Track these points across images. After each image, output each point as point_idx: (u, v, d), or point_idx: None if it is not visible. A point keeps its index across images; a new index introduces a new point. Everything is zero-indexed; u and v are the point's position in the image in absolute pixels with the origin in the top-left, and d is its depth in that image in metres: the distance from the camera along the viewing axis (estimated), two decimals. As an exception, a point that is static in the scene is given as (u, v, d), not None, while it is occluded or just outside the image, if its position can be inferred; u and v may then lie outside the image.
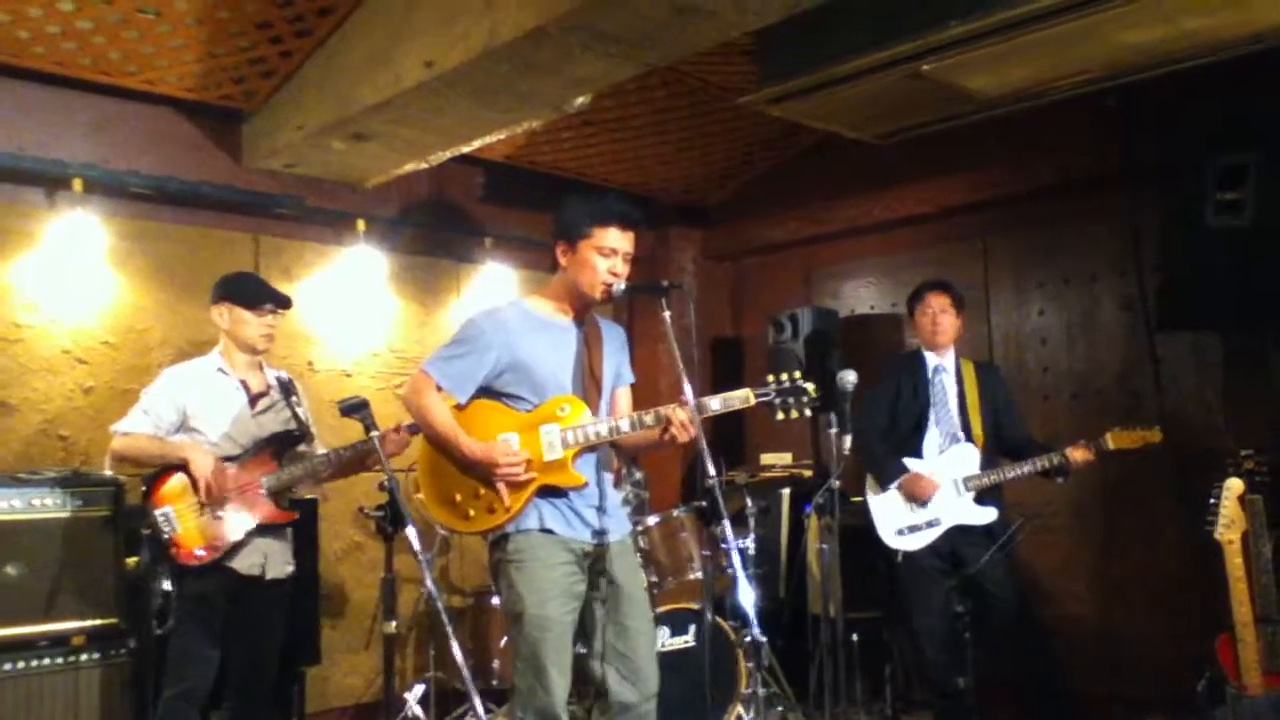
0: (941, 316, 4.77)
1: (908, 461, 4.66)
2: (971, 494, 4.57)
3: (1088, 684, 5.11)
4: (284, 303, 4.09)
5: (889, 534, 4.64)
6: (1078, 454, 4.43)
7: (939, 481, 4.57)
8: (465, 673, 2.81)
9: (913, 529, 4.60)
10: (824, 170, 6.47)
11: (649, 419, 3.19)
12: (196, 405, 3.89)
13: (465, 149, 5.20)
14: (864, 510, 4.77)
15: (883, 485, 4.67)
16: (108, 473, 4.20)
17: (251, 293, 4.02)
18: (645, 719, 3.25)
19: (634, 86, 5.26)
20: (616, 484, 3.45)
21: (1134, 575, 5.21)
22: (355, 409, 3.09)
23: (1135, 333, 5.32)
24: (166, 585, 3.78)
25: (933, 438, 4.69)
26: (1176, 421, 4.99)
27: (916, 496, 4.57)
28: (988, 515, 4.56)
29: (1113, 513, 5.34)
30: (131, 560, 4.14)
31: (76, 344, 4.80)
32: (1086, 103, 4.88)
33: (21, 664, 3.91)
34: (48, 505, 4.07)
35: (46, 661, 3.97)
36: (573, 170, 6.38)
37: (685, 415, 3.12)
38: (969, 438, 4.67)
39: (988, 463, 4.64)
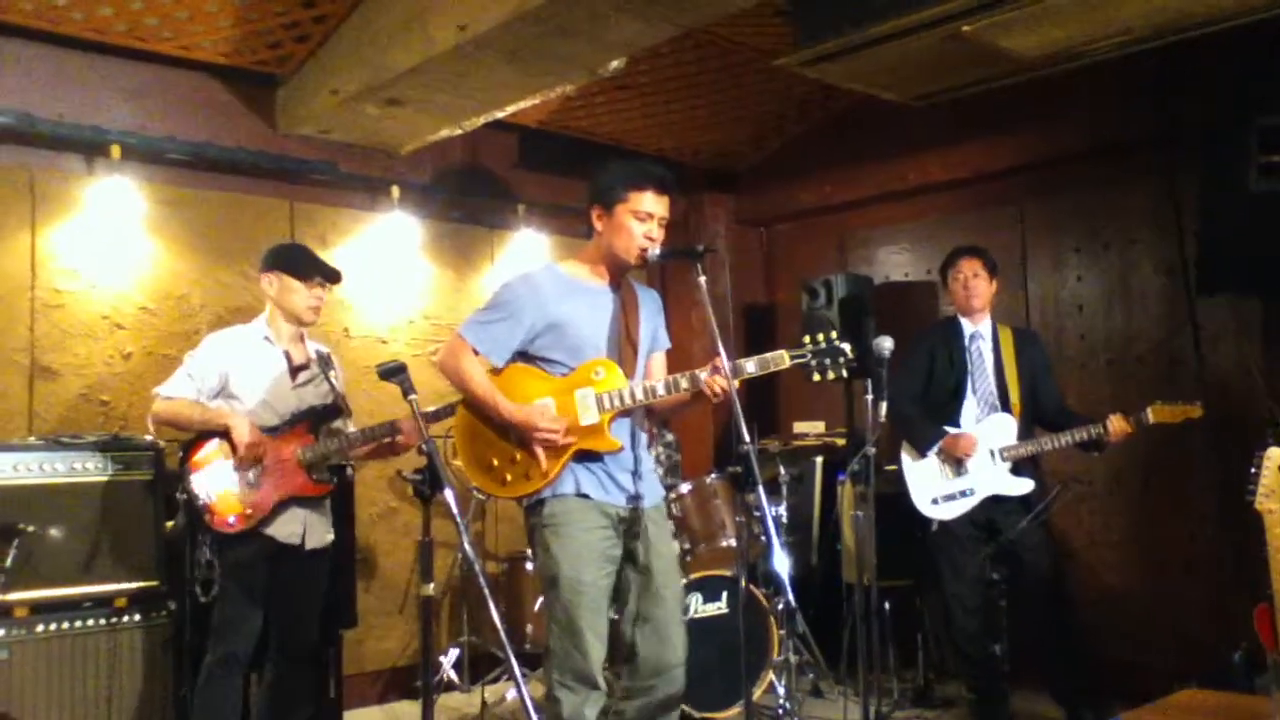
0: (974, 281, 4.72)
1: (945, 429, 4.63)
2: (1008, 464, 4.54)
3: (1123, 653, 5.09)
4: (334, 277, 4.12)
5: (924, 502, 4.62)
6: (1116, 426, 4.37)
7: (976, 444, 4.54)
8: (503, 637, 2.82)
9: (948, 498, 4.57)
10: (858, 134, 6.40)
11: (684, 383, 3.18)
12: (239, 372, 3.91)
13: (499, 114, 5.18)
14: (898, 478, 4.75)
15: (920, 451, 4.64)
16: (148, 437, 4.25)
17: (302, 264, 4.03)
18: (674, 684, 3.27)
19: (668, 49, 5.22)
20: (648, 446, 3.46)
21: (1171, 545, 5.18)
22: (393, 373, 3.10)
23: (1175, 298, 5.25)
24: (208, 554, 3.82)
25: (970, 406, 4.65)
26: (1216, 389, 4.94)
27: (957, 455, 4.54)
28: (1024, 486, 4.53)
29: (1150, 482, 5.30)
30: (170, 524, 4.20)
31: (115, 310, 4.85)
32: (1126, 64, 4.79)
33: (66, 624, 3.99)
34: (89, 469, 4.12)
35: (90, 622, 4.04)
36: (606, 135, 6.35)
37: (722, 382, 3.12)
38: (1006, 406, 4.62)
39: (1025, 432, 4.60)
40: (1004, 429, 4.59)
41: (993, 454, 4.54)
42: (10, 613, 3.88)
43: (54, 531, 4.01)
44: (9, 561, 3.82)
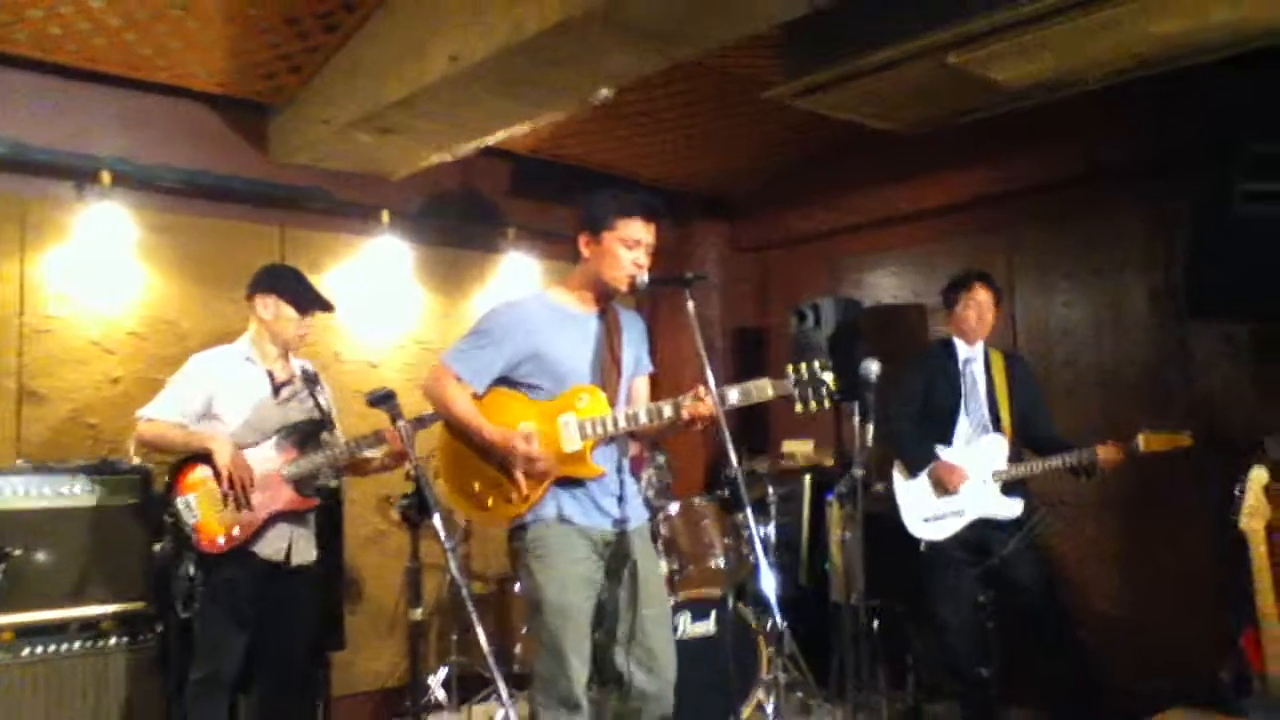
0: (987, 311, 4.75)
1: (937, 449, 4.64)
2: (998, 485, 4.55)
3: (1114, 675, 5.07)
4: (329, 308, 4.17)
5: (914, 522, 4.62)
6: (1108, 454, 4.37)
7: (968, 472, 4.56)
8: (490, 659, 2.84)
9: (938, 518, 4.58)
10: (850, 161, 6.44)
11: (668, 411, 3.20)
12: (221, 392, 3.93)
13: (490, 141, 5.22)
14: (886, 498, 4.76)
15: (912, 472, 4.65)
16: (134, 460, 4.26)
17: (303, 294, 4.08)
18: (663, 705, 3.28)
19: (659, 79, 5.24)
20: (638, 469, 3.48)
21: (1162, 567, 5.17)
22: (382, 400, 3.12)
23: (1165, 324, 5.26)
24: (191, 570, 3.83)
25: (963, 428, 4.67)
26: (1207, 413, 4.96)
27: (946, 486, 4.55)
28: (1014, 508, 4.54)
29: (1141, 504, 5.30)
30: (158, 545, 4.21)
31: (105, 335, 4.87)
32: (1116, 91, 4.81)
33: (53, 647, 4.00)
34: (76, 493, 4.15)
35: (76, 645, 4.06)
36: (597, 163, 6.39)
37: (704, 409, 3.13)
38: (998, 428, 4.65)
39: (1015, 454, 4.62)
40: (995, 450, 4.60)
41: (984, 475, 4.56)
42: (-3, 637, 3.89)
43: (40, 555, 4.03)
44: (-4, 586, 3.84)
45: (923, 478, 4.64)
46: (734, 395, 3.20)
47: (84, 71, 4.76)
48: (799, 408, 3.26)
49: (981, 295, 4.74)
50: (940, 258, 6.03)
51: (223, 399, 3.92)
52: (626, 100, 5.41)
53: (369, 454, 4.02)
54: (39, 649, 3.97)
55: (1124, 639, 5.23)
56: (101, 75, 4.81)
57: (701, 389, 3.14)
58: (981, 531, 4.55)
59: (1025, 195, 5.75)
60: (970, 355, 4.77)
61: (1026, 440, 4.72)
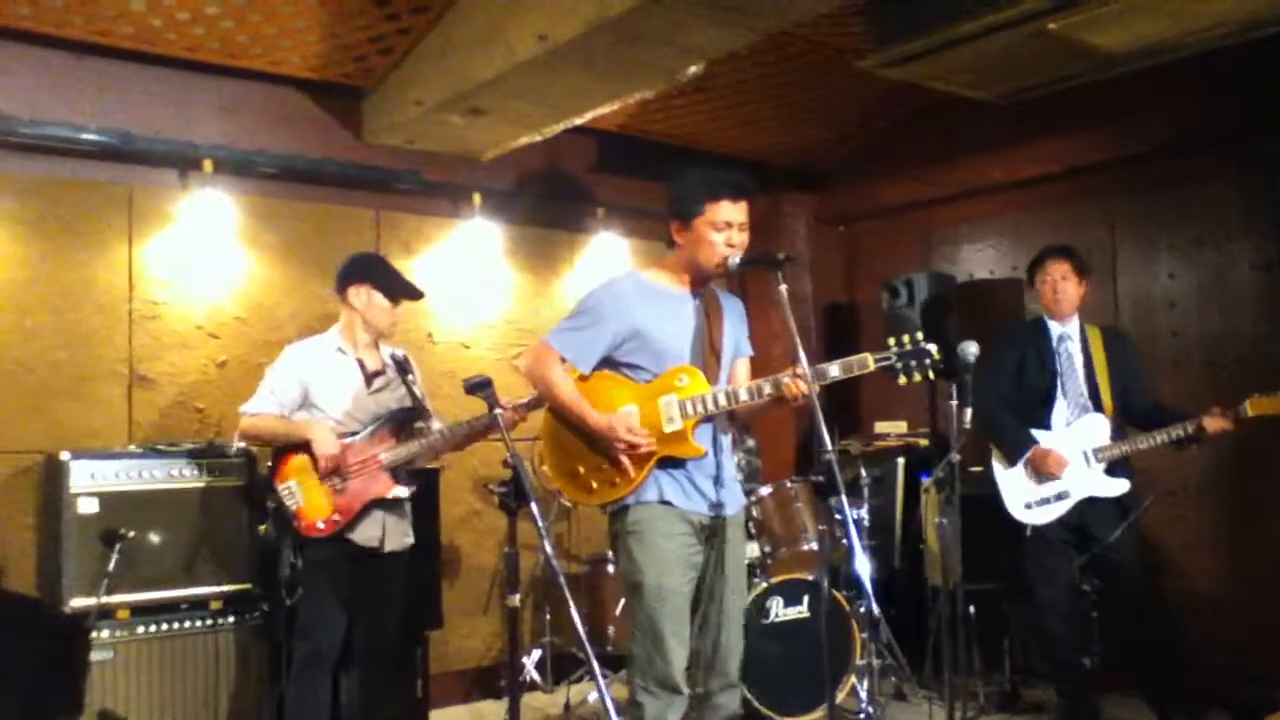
0: (1062, 284, 4.61)
1: (1036, 433, 4.54)
2: (1102, 465, 4.44)
3: (1218, 660, 4.95)
4: (418, 297, 4.25)
5: (1017, 508, 4.53)
6: (1213, 423, 4.23)
7: (1068, 454, 4.44)
8: (584, 641, 2.86)
9: (1042, 502, 4.48)
10: (940, 131, 6.31)
11: (767, 387, 3.17)
12: (316, 383, 4.01)
13: (579, 120, 5.22)
14: (983, 480, 4.67)
15: (1010, 459, 4.55)
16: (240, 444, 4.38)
17: (396, 284, 4.14)
18: (731, 695, 3.29)
19: (745, 51, 5.16)
20: (730, 452, 3.46)
21: (1266, 548, 5.01)
22: (479, 387, 3.15)
23: (1272, 295, 5.08)
24: (291, 557, 3.93)
25: (1061, 409, 4.56)
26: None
27: (1046, 473, 4.46)
28: (1119, 487, 4.43)
29: (1243, 484, 5.14)
30: (262, 527, 4.33)
31: (209, 319, 4.99)
32: (1217, 56, 4.64)
33: (165, 625, 4.16)
34: (186, 476, 4.30)
35: (188, 624, 4.22)
36: (684, 137, 6.35)
37: (803, 386, 3.11)
38: (1098, 407, 4.52)
39: (1117, 432, 4.50)
40: (1097, 430, 4.49)
41: (1086, 456, 4.45)
42: (113, 614, 4.06)
43: (153, 536, 4.18)
44: (112, 565, 3.99)
45: (1021, 464, 4.54)
46: (834, 369, 3.17)
47: (183, 61, 4.86)
48: (902, 379, 3.21)
49: (1055, 270, 4.62)
50: (1036, 230, 5.88)
51: (319, 390, 4.00)
52: (712, 73, 5.34)
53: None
54: (153, 626, 4.13)
55: (1228, 622, 5.08)
56: (200, 64, 4.91)
57: (799, 366, 3.10)
58: (1083, 513, 4.45)
59: (1125, 163, 5.59)
60: (1065, 333, 4.65)
61: (1128, 416, 4.59)
